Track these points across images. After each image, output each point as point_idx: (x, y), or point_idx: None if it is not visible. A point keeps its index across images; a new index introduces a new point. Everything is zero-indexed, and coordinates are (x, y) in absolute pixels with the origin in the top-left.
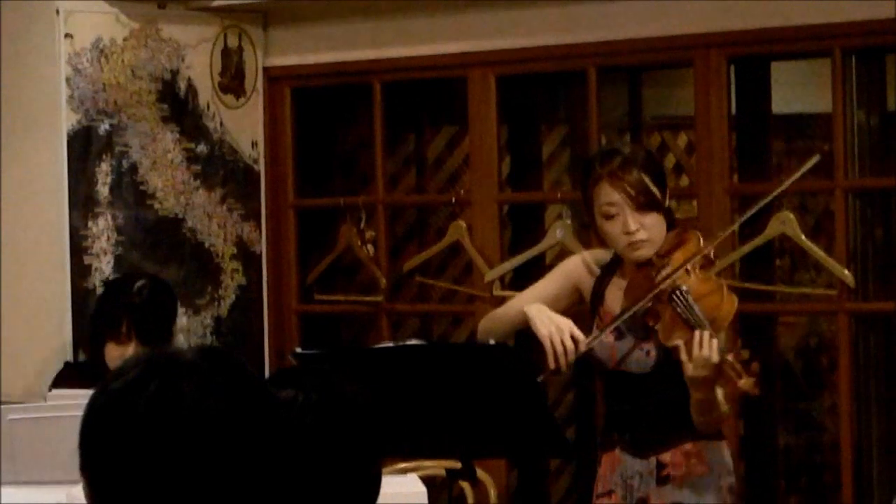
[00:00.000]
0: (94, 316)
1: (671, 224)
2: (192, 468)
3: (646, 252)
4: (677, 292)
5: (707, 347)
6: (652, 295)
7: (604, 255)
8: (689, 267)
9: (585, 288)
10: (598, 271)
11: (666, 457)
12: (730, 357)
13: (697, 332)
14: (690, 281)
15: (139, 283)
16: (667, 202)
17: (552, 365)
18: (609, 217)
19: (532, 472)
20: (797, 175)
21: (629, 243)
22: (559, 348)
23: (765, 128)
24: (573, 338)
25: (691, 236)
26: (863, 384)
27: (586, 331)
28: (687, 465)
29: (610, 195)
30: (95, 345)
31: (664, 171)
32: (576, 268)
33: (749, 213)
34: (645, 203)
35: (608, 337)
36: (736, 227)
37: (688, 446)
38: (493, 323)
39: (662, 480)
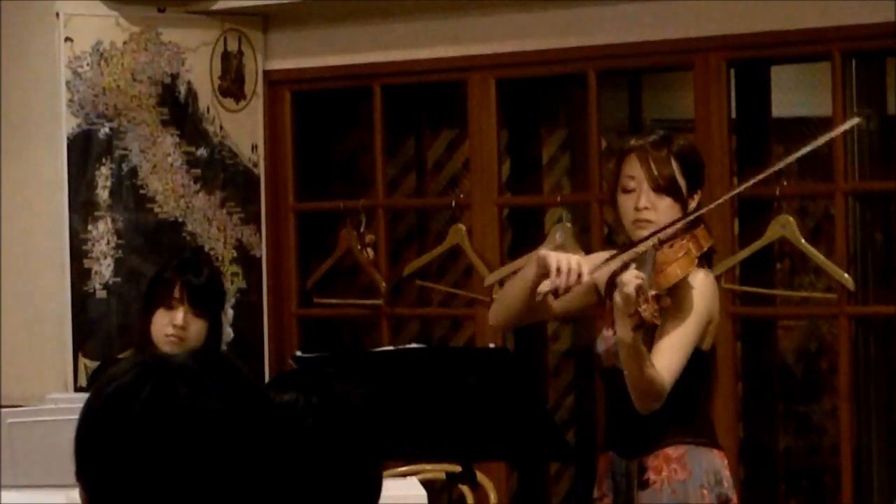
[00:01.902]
0: (148, 286)
1: (694, 223)
2: (189, 471)
3: (648, 233)
4: (645, 252)
5: (628, 276)
6: (623, 254)
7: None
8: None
9: (600, 280)
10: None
11: (648, 460)
12: (649, 293)
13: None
14: (663, 250)
15: (187, 253)
16: (693, 201)
17: (551, 284)
18: (626, 191)
19: (532, 475)
20: (834, 133)
21: (635, 219)
22: (564, 266)
23: (765, 131)
24: (577, 262)
25: (698, 231)
26: (863, 387)
27: (595, 329)
28: (667, 469)
29: (633, 168)
30: (145, 316)
31: (701, 170)
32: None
33: (780, 164)
34: (663, 186)
35: (608, 331)
36: (738, 191)
37: (669, 451)
38: (507, 292)
39: (643, 484)
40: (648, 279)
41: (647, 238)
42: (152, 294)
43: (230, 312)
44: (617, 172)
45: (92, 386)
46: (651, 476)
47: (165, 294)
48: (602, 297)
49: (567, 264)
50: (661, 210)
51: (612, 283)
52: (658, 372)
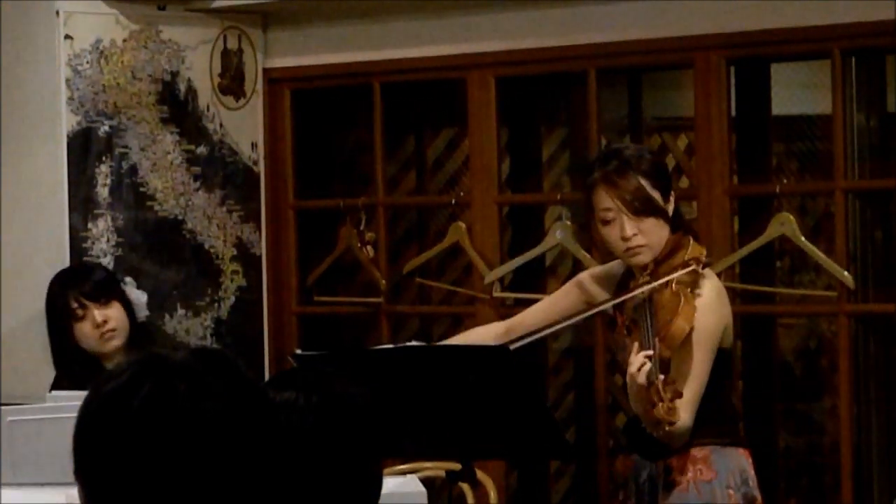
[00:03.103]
0: (48, 316)
1: (678, 225)
2: (188, 470)
3: (644, 257)
4: (644, 302)
5: (637, 363)
6: (616, 301)
7: (619, 266)
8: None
9: (605, 291)
10: (613, 281)
11: (673, 461)
12: (658, 380)
13: (636, 347)
14: (663, 293)
15: (62, 272)
16: (670, 204)
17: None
18: (606, 222)
19: (532, 473)
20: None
21: (626, 249)
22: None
23: (765, 129)
24: None
25: (685, 241)
26: (862, 386)
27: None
28: (693, 470)
29: (606, 200)
30: (64, 339)
31: (667, 172)
32: (588, 283)
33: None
34: (641, 208)
35: (622, 337)
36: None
37: (695, 451)
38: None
39: (669, 485)
40: (652, 340)
41: (643, 284)
42: (58, 319)
43: (137, 292)
44: (589, 205)
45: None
46: (677, 477)
47: (68, 313)
48: (612, 316)
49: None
50: (648, 230)
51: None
52: (677, 421)
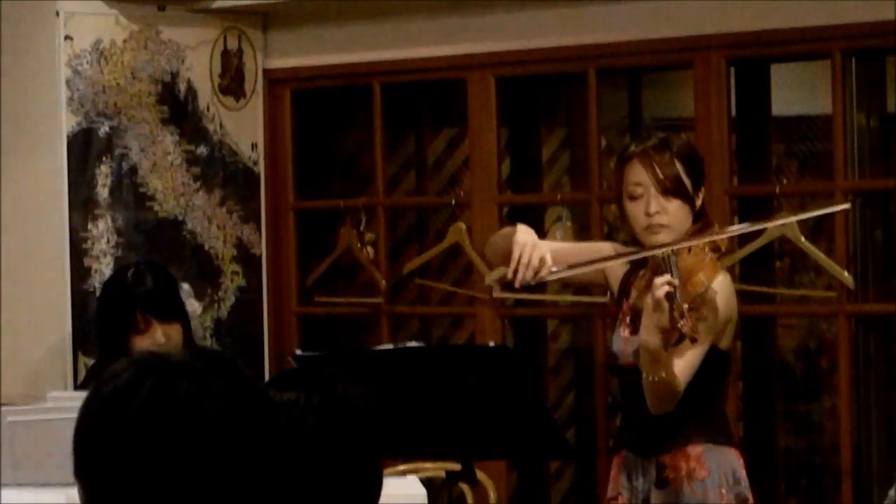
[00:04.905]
0: (106, 318)
1: (699, 218)
2: (189, 470)
3: (663, 237)
4: (665, 259)
5: (660, 282)
6: (641, 255)
7: (622, 266)
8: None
9: (612, 276)
10: (619, 272)
11: (667, 458)
12: (684, 306)
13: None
14: (687, 254)
15: (132, 272)
16: (699, 198)
17: (510, 274)
18: (634, 198)
19: (532, 473)
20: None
21: (648, 225)
22: (524, 259)
23: (764, 130)
24: (542, 259)
25: (709, 230)
26: (862, 386)
27: (612, 326)
28: (687, 468)
29: (638, 174)
30: (118, 343)
31: (703, 166)
32: (607, 252)
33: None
34: (671, 188)
35: (625, 331)
36: (753, 227)
37: (689, 449)
38: (493, 239)
39: (662, 482)
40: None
41: (661, 246)
42: (119, 327)
43: (194, 303)
44: (620, 180)
45: (89, 383)
46: (670, 474)
47: (130, 322)
48: (615, 296)
49: (528, 259)
50: (672, 212)
51: (626, 284)
52: (675, 375)
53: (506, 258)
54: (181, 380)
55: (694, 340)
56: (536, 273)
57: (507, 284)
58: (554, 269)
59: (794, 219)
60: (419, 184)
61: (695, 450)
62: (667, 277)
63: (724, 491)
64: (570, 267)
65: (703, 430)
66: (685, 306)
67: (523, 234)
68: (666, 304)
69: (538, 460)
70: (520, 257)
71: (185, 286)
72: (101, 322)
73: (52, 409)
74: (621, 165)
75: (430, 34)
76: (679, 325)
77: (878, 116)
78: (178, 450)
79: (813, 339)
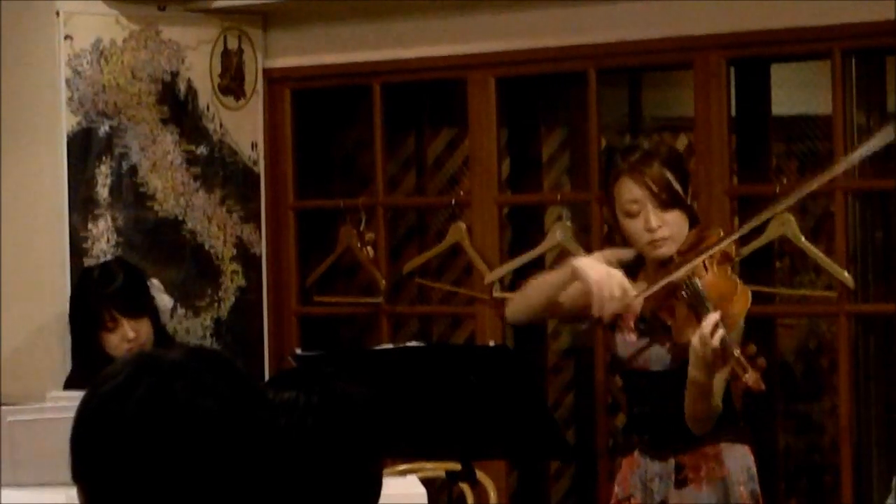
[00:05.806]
0: (76, 317)
1: (694, 221)
2: (187, 470)
3: (667, 250)
4: (688, 283)
5: (709, 326)
6: (664, 282)
7: (626, 254)
8: (706, 262)
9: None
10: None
11: (685, 459)
12: (737, 352)
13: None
14: (706, 275)
15: (97, 270)
16: (689, 199)
17: (596, 313)
18: (631, 215)
19: (532, 473)
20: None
21: (651, 241)
22: (606, 293)
23: (765, 130)
24: (622, 286)
25: (712, 234)
26: (862, 386)
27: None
28: (706, 467)
29: (632, 191)
30: (89, 341)
31: (687, 167)
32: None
33: (798, 195)
34: (667, 200)
35: (630, 336)
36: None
37: (707, 449)
38: (530, 293)
39: (681, 483)
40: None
41: (680, 264)
42: (86, 323)
43: (164, 298)
44: (612, 198)
45: (72, 384)
46: (689, 474)
47: (99, 320)
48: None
49: (609, 288)
50: (672, 223)
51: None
52: (716, 399)
53: (546, 305)
54: (177, 379)
55: (762, 392)
56: (621, 302)
57: (596, 321)
58: (633, 293)
59: (821, 179)
60: (419, 183)
61: (713, 449)
62: (714, 318)
63: (741, 488)
64: (648, 287)
65: (719, 429)
66: (737, 353)
67: (590, 267)
68: (719, 349)
69: (538, 460)
70: (600, 293)
71: (155, 281)
72: (71, 321)
73: (51, 408)
74: (611, 183)
75: (430, 34)
76: (744, 379)
77: (879, 116)
78: (175, 450)
79: (813, 339)
